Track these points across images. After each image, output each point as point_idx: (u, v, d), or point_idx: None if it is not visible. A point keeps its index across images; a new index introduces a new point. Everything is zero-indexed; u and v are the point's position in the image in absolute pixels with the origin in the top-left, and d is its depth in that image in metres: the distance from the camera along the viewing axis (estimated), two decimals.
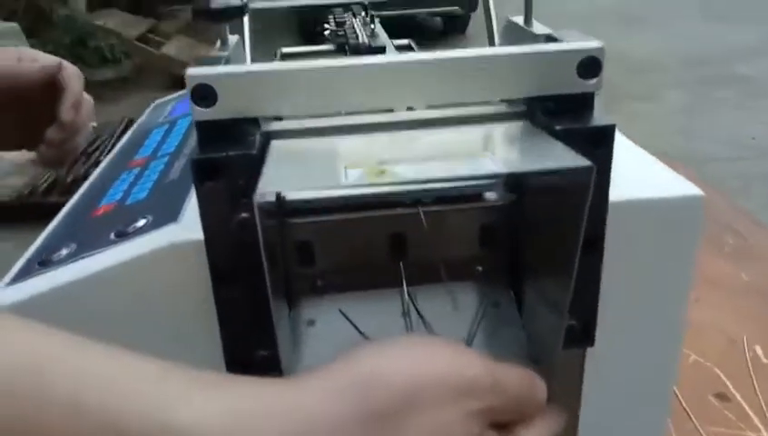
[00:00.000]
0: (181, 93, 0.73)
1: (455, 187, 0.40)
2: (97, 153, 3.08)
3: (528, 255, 0.40)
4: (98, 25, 4.32)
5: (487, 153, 0.31)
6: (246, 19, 0.54)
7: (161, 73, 4.08)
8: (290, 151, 0.34)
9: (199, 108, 0.32)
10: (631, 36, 4.72)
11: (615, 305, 0.38)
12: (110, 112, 3.28)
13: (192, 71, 0.32)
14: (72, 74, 0.57)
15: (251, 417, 0.25)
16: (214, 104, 0.32)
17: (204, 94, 0.32)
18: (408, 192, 0.40)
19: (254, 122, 0.34)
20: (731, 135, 3.22)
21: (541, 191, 0.37)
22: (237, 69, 0.32)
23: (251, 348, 0.35)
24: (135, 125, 0.65)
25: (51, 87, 0.56)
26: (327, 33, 0.67)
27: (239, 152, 0.32)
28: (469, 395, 0.28)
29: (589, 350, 0.39)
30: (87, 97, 0.60)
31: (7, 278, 0.38)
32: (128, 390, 0.24)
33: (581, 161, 0.29)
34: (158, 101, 0.73)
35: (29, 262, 0.39)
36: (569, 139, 0.32)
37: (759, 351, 0.69)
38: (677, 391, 0.64)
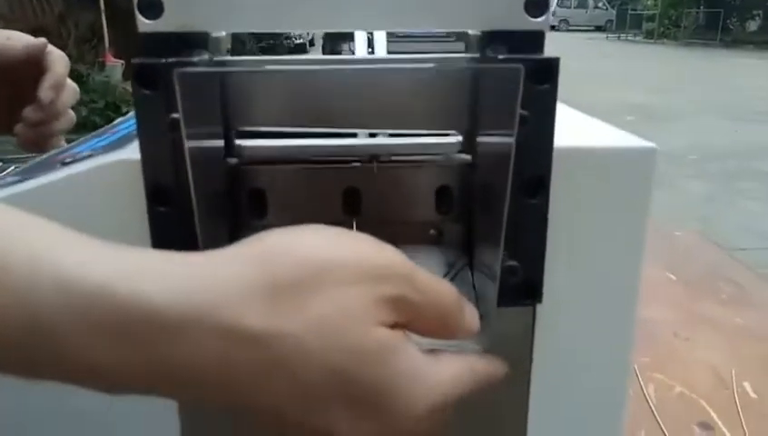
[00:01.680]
0: None
1: (413, 145, 0.39)
2: None
3: (478, 212, 0.39)
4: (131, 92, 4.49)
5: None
6: None
7: None
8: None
9: (144, 19, 0.33)
10: (658, 132, 4.78)
11: (565, 262, 0.37)
12: None
13: None
14: (56, 56, 0.56)
15: (148, 269, 0.24)
16: (161, 15, 0.33)
17: (149, 3, 0.32)
18: (366, 146, 0.39)
19: (204, 44, 0.34)
20: (751, 225, 3.19)
21: (491, 146, 0.37)
22: None
23: None
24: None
25: (35, 68, 0.57)
26: None
27: (179, 59, 0.32)
28: (380, 279, 0.26)
29: (540, 309, 0.37)
30: (71, 84, 0.60)
31: None
32: (20, 235, 0.24)
33: (511, 65, 0.29)
34: None
35: None
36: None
37: (747, 387, 0.66)
38: (659, 419, 0.60)
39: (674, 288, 0.90)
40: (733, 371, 0.68)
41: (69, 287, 0.23)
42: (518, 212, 0.34)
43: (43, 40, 0.58)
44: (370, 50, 0.45)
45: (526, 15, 0.34)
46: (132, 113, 0.64)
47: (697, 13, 18.15)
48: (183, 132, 0.30)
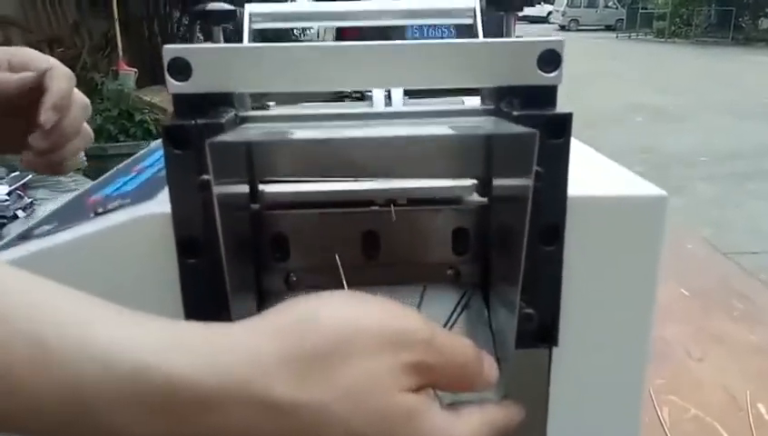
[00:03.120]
0: None
1: (429, 188, 0.41)
2: None
3: (494, 255, 0.40)
4: (145, 100, 4.53)
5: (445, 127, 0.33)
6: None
7: None
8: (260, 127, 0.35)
9: (174, 81, 0.34)
10: (669, 133, 4.76)
11: (580, 307, 0.38)
12: None
13: (169, 46, 0.34)
14: (56, 74, 0.49)
15: (184, 346, 0.25)
16: (189, 77, 0.34)
17: (180, 68, 0.34)
18: (383, 190, 0.41)
19: (229, 102, 0.36)
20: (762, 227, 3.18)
21: (507, 189, 0.38)
22: (211, 45, 0.35)
23: (209, 317, 0.35)
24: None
25: (39, 92, 0.50)
26: None
27: (207, 121, 0.33)
28: (403, 347, 0.27)
29: (556, 352, 0.39)
30: (81, 99, 0.53)
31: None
32: (52, 306, 0.25)
33: (527, 129, 0.30)
34: None
35: (11, 240, 0.41)
36: (528, 123, 0.33)
37: (762, 408, 0.67)
38: None
39: (687, 304, 0.91)
40: (748, 393, 0.69)
41: (112, 365, 0.24)
42: (534, 259, 0.35)
43: (48, 61, 0.51)
44: (387, 92, 0.47)
45: (540, 72, 0.35)
46: (154, 145, 0.66)
47: (709, 11, 18.04)
48: (214, 191, 0.32)
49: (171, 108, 0.35)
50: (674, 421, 0.63)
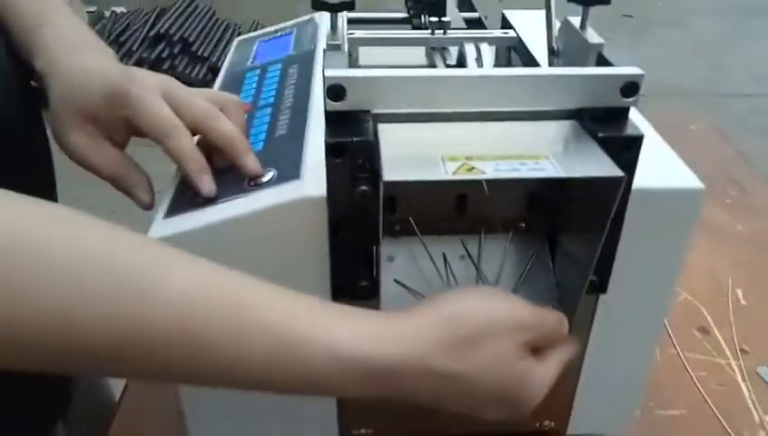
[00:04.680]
0: (261, 31, 0.81)
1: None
2: (129, 43, 3.14)
3: (565, 221, 0.51)
4: None
5: (546, 155, 0.42)
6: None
7: None
8: (396, 139, 0.44)
9: (331, 102, 0.43)
10: None
11: (623, 266, 0.50)
12: None
13: (330, 72, 0.42)
14: (232, 107, 0.52)
15: (382, 334, 0.38)
16: (344, 99, 0.43)
17: (337, 92, 0.42)
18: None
19: (371, 116, 0.44)
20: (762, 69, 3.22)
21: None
22: (362, 73, 0.43)
23: (356, 279, 0.47)
24: (226, 64, 0.75)
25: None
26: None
27: (360, 138, 0.42)
28: (521, 331, 0.40)
29: (601, 296, 0.51)
30: (233, 104, 0.53)
31: (161, 211, 0.50)
32: (293, 314, 0.37)
33: (617, 171, 0.40)
34: (240, 38, 0.82)
35: (176, 196, 0.51)
36: (608, 143, 0.43)
37: (740, 293, 0.82)
38: (667, 324, 0.76)
39: None
40: (730, 279, 0.84)
41: (338, 355, 0.36)
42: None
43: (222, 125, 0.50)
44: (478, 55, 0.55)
45: (620, 96, 0.44)
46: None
47: None
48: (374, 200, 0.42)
49: None
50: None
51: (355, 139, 0.42)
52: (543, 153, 0.42)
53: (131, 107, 0.48)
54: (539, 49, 0.63)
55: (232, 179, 0.50)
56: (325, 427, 0.58)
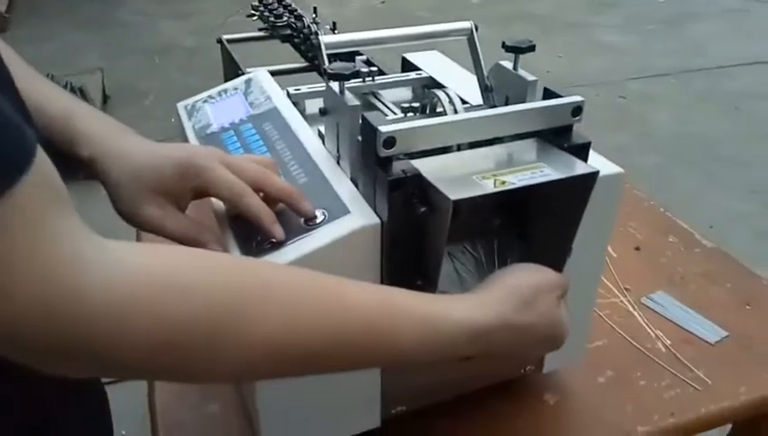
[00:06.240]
0: (201, 96, 0.90)
1: None
2: None
3: (539, 214, 0.69)
4: None
5: (540, 164, 0.59)
6: None
7: None
8: (429, 168, 0.59)
9: (385, 150, 0.56)
10: None
11: (579, 235, 0.69)
12: None
13: (384, 128, 0.56)
14: (270, 165, 0.64)
15: (477, 309, 0.53)
16: (394, 147, 0.56)
17: (390, 143, 0.56)
18: None
19: (411, 154, 0.59)
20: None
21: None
22: (407, 125, 0.57)
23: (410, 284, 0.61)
24: (187, 128, 0.82)
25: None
26: None
27: (413, 173, 0.56)
28: (557, 288, 0.57)
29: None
30: (270, 163, 0.65)
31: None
32: (428, 302, 0.51)
33: (593, 168, 0.59)
34: (181, 104, 0.90)
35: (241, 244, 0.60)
36: (571, 150, 0.62)
37: (610, 248, 1.07)
38: None
39: None
40: None
41: (462, 325, 0.51)
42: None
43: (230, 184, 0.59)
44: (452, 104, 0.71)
45: (570, 116, 0.63)
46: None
47: None
48: (439, 216, 0.56)
49: None
50: None
51: (410, 175, 0.56)
52: (536, 163, 0.60)
53: (201, 177, 0.57)
54: (457, 85, 0.81)
55: (287, 223, 0.61)
56: (367, 408, 0.70)
